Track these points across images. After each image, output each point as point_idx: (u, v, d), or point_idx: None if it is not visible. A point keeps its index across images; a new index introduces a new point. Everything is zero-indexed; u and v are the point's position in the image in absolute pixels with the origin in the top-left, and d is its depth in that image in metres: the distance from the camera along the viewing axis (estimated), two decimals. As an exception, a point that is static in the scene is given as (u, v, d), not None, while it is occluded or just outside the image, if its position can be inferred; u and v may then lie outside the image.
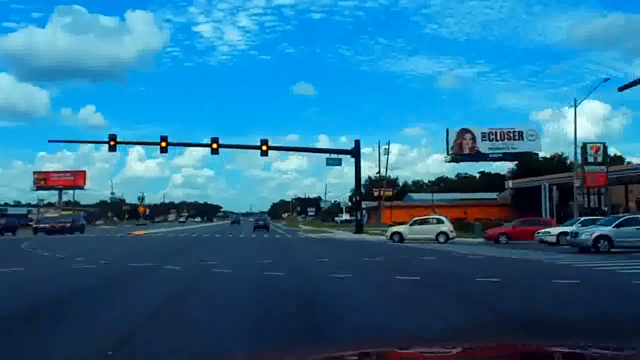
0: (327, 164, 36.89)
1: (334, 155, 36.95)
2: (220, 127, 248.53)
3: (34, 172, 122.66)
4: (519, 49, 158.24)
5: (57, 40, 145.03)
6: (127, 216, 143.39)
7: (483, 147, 72.13)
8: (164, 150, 34.62)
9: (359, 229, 38.24)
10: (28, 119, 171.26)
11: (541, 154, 72.28)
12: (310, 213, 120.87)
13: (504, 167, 75.05)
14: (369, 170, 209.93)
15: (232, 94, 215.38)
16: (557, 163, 64.94)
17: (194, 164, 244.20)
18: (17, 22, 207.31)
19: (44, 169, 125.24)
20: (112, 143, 34.50)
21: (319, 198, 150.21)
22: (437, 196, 79.74)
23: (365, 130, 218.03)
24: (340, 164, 36.82)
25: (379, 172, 73.36)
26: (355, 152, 36.76)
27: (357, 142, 37.08)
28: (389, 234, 31.31)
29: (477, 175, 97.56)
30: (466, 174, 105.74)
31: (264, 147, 34.90)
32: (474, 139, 72.62)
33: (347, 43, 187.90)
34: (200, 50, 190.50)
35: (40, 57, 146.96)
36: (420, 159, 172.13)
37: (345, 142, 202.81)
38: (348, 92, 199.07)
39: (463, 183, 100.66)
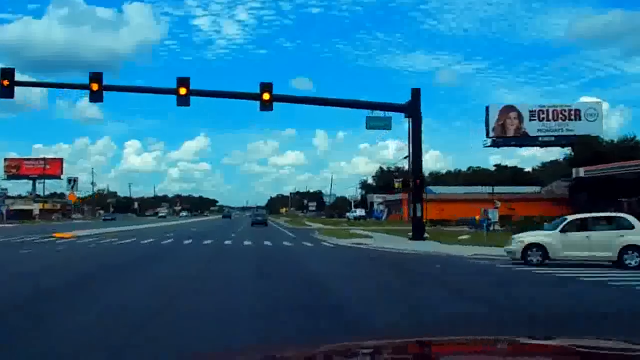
0: (368, 127, 22.78)
1: (378, 113, 22.85)
2: (216, 121, 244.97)
3: (5, 159, 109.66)
4: (517, 46, 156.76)
5: (53, 31, 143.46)
6: (112, 209, 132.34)
7: (531, 128, 58.92)
8: (95, 95, 20.93)
9: (418, 233, 24.32)
10: (23, 110, 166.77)
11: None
12: (311, 208, 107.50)
13: (521, 160, 65.90)
14: (365, 165, 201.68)
15: (228, 88, 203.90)
16: (631, 149, 51.18)
17: (190, 157, 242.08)
18: (14, 14, 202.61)
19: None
20: (5, 82, 20.88)
21: (320, 193, 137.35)
22: (461, 189, 67.64)
23: (361, 125, 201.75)
24: (388, 127, 22.80)
25: (408, 154, 59.03)
26: (412, 108, 22.89)
27: (417, 92, 23.17)
28: (515, 246, 16.38)
29: (492, 168, 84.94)
30: (478, 167, 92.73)
31: (265, 96, 21.27)
32: (520, 118, 59.39)
33: (344, 38, 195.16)
34: (198, 44, 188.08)
35: (36, 48, 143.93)
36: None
37: (344, 137, 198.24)
38: (345, 87, 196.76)
39: (480, 175, 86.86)
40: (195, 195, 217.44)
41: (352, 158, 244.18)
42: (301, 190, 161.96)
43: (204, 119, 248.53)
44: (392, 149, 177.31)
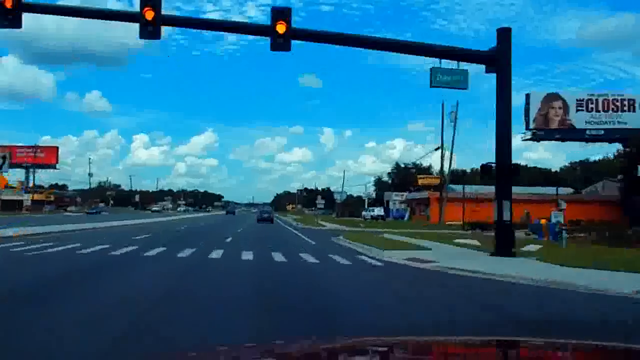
0: (434, 83, 15.02)
1: (450, 65, 15.00)
2: (224, 116, 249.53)
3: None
4: (527, 47, 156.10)
5: (63, 22, 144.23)
6: (111, 202, 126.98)
7: (578, 119, 51.25)
8: (149, 27, 13.32)
9: (506, 246, 15.67)
10: (32, 102, 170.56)
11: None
12: (319, 206, 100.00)
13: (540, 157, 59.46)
14: (372, 164, 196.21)
15: (237, 83, 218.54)
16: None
17: (198, 152, 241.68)
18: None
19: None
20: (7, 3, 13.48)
21: (328, 190, 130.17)
22: (481, 188, 61.43)
23: (368, 124, 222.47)
24: (463, 85, 14.98)
25: (440, 145, 52.18)
26: (500, 55, 15.24)
27: (506, 34, 15.35)
28: None
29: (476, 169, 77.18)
30: (472, 168, 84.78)
31: (280, 28, 13.72)
32: (565, 108, 51.77)
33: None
34: (207, 39, 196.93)
35: (46, 39, 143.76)
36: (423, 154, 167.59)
37: (351, 136, 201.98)
38: (353, 85, 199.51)
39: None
40: (201, 190, 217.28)
41: (359, 157, 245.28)
42: (308, 187, 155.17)
43: (212, 114, 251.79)
44: (399, 148, 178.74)
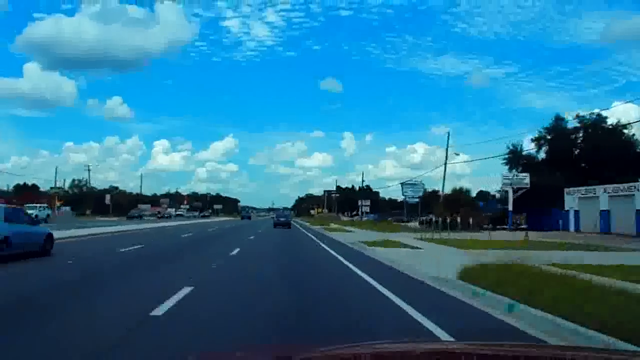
0: None
1: None
2: (244, 121, 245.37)
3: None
4: (549, 49, 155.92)
5: (84, 29, 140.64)
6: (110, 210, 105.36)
7: None
8: None
9: None
10: (55, 109, 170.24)
11: None
12: (364, 209, 76.11)
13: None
14: (393, 168, 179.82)
15: (257, 90, 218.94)
16: None
17: (218, 158, 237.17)
18: (48, 13, 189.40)
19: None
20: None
21: (367, 189, 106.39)
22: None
23: (390, 128, 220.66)
24: None
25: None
26: None
27: None
28: None
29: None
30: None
31: None
32: None
33: (373, 40, 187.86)
34: (227, 45, 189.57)
35: (67, 46, 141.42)
36: (441, 160, 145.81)
37: (371, 141, 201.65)
38: (373, 90, 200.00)
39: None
40: (223, 195, 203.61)
41: (379, 161, 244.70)
42: (342, 186, 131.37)
43: (232, 120, 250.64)
44: (420, 152, 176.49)
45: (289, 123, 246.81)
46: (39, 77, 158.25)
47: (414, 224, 55.09)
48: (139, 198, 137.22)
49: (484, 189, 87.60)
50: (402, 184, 52.39)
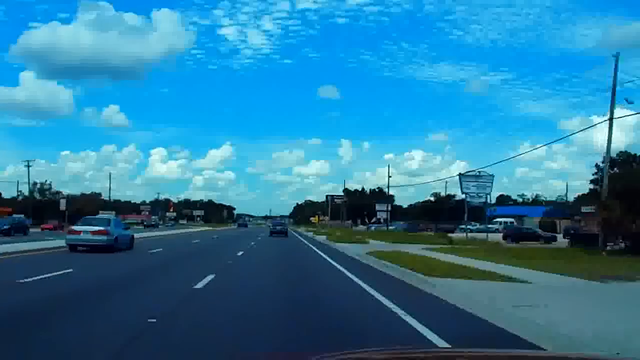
0: None
1: None
2: (241, 129, 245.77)
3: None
4: (545, 57, 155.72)
5: (81, 37, 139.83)
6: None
7: None
8: None
9: None
10: (51, 118, 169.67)
11: None
12: (381, 215, 59.99)
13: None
14: (391, 176, 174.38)
15: (254, 97, 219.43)
16: None
17: (215, 166, 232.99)
18: (44, 23, 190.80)
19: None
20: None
21: (379, 190, 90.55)
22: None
23: (386, 135, 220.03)
24: None
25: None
26: None
27: None
28: None
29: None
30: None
31: None
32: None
33: (370, 48, 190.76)
34: (224, 53, 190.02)
35: (64, 54, 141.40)
36: (443, 165, 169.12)
37: (369, 148, 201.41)
38: (370, 97, 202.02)
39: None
40: (217, 202, 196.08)
41: (377, 168, 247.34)
42: (351, 189, 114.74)
43: (229, 128, 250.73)
44: (418, 159, 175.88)
45: (286, 130, 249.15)
46: (33, 85, 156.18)
47: (496, 235, 38.92)
48: (119, 205, 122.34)
49: None
50: (460, 175, 35.93)
